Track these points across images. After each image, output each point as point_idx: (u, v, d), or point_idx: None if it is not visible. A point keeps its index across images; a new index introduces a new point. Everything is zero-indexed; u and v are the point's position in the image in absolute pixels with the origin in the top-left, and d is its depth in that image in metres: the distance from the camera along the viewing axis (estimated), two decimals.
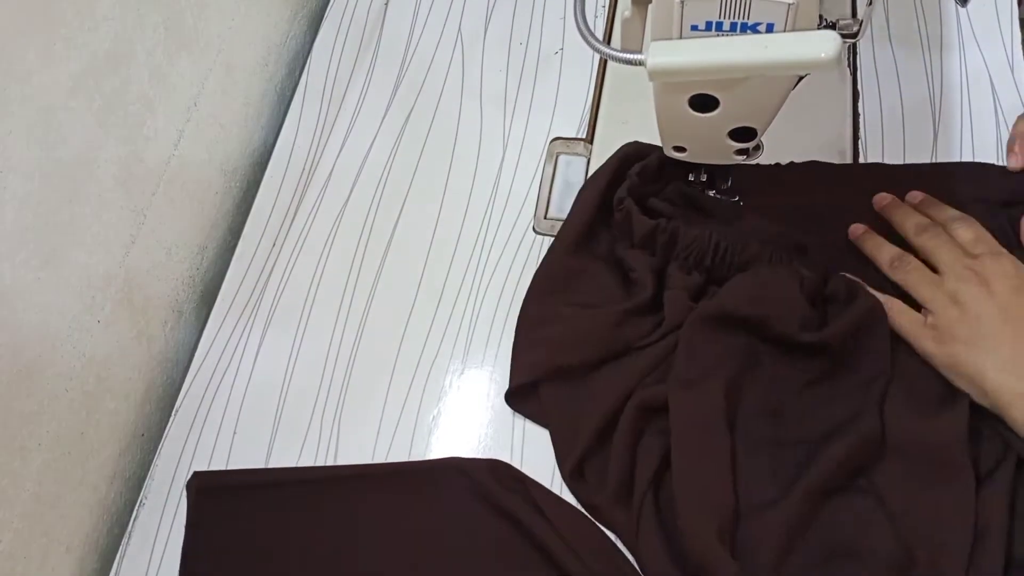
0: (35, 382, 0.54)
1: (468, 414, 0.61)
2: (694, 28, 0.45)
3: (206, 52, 0.69)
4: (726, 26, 0.45)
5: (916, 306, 0.56)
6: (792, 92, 0.50)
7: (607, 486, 0.54)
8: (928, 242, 0.57)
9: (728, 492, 0.52)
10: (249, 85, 0.76)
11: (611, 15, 0.77)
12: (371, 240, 0.68)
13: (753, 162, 0.58)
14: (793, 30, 0.44)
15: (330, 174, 0.72)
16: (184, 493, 0.60)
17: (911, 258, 0.58)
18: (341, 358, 0.64)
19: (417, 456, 0.59)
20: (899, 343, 0.56)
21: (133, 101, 0.61)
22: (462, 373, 0.62)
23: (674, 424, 0.54)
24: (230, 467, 0.60)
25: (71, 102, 0.55)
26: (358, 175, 0.71)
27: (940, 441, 0.52)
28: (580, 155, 0.70)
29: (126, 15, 0.60)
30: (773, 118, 0.52)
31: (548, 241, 0.66)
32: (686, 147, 0.57)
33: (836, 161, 0.65)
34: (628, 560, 0.53)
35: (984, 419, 0.53)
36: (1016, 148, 0.63)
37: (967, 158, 0.65)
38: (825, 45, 0.43)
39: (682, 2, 0.44)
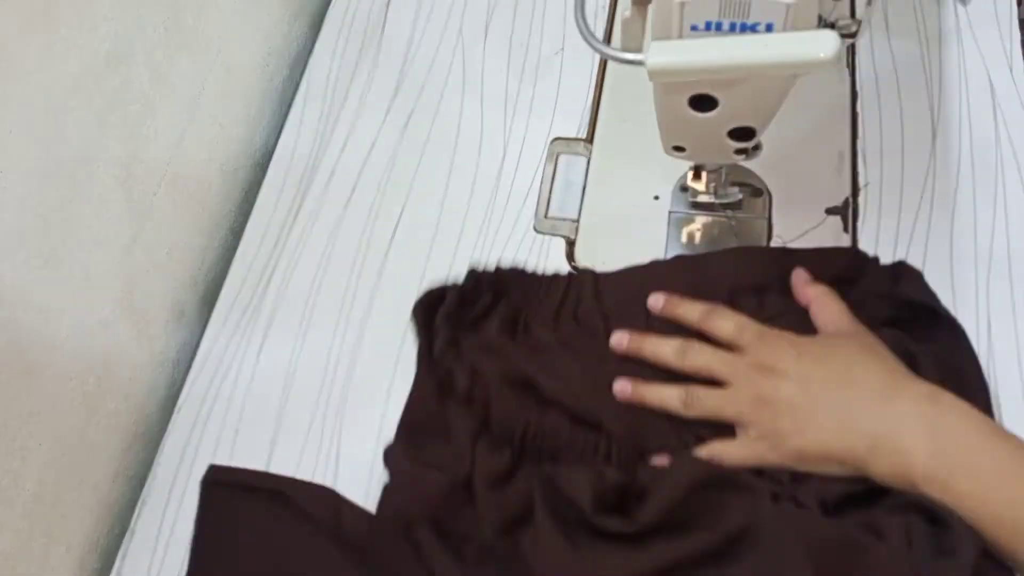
0: (35, 382, 0.55)
1: None
2: (694, 28, 0.45)
3: (206, 52, 0.69)
4: (725, 26, 0.45)
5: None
6: (791, 92, 0.50)
7: None
8: (696, 362, 0.56)
9: None
10: (249, 85, 0.76)
11: (611, 15, 0.77)
12: (373, 240, 0.68)
13: (749, 162, 0.58)
14: (792, 30, 0.44)
15: (331, 174, 0.72)
16: (184, 494, 0.60)
17: (694, 343, 0.56)
18: (342, 358, 0.64)
19: None
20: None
21: (133, 101, 0.61)
22: None
23: None
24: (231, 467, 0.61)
25: (71, 102, 0.55)
26: (359, 175, 0.72)
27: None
28: (580, 155, 0.70)
29: (126, 15, 0.60)
30: (772, 118, 0.52)
31: (548, 241, 0.66)
32: (686, 147, 0.57)
33: (836, 160, 0.66)
34: None
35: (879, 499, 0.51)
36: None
37: (965, 158, 0.65)
38: (824, 45, 0.43)
39: (682, 2, 0.44)
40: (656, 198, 0.67)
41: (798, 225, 0.64)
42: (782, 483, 0.52)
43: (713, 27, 0.45)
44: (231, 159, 0.74)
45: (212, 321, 0.67)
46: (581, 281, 0.62)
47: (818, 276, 0.59)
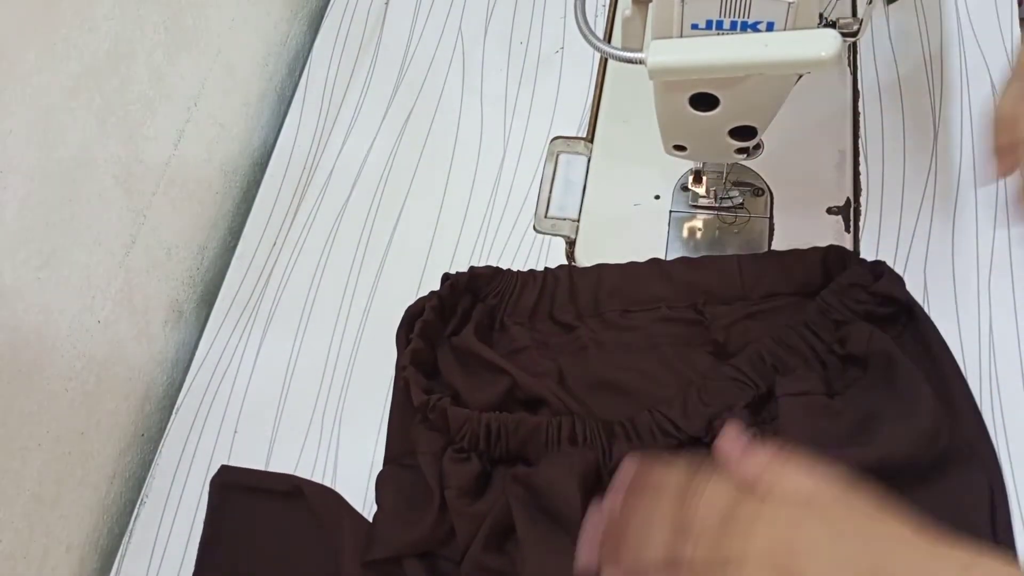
0: (35, 382, 0.54)
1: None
2: (694, 27, 0.45)
3: (206, 52, 0.69)
4: (726, 25, 0.45)
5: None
6: (792, 91, 0.50)
7: None
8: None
9: None
10: (249, 85, 0.76)
11: (611, 14, 0.77)
12: (372, 240, 0.68)
13: (752, 161, 0.58)
14: (793, 29, 0.44)
15: (330, 174, 0.72)
16: (183, 494, 0.60)
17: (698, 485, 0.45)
18: (342, 358, 0.64)
19: None
20: None
21: (133, 101, 0.61)
22: None
23: None
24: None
25: (71, 102, 0.55)
26: (358, 175, 0.71)
27: None
28: (581, 154, 0.70)
29: (126, 15, 0.60)
30: (773, 117, 0.52)
31: (548, 240, 0.66)
32: (686, 146, 0.57)
33: (837, 159, 0.65)
34: None
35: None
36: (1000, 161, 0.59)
37: (967, 157, 0.65)
38: (825, 44, 0.43)
39: (683, 1, 0.44)
40: (657, 197, 0.67)
41: (799, 225, 0.64)
42: None
43: (714, 26, 0.45)
44: (230, 159, 0.74)
45: (211, 321, 0.67)
46: (556, 278, 0.62)
47: (798, 275, 0.59)
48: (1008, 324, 0.59)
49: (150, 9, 0.62)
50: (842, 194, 0.65)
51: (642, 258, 0.63)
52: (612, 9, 0.77)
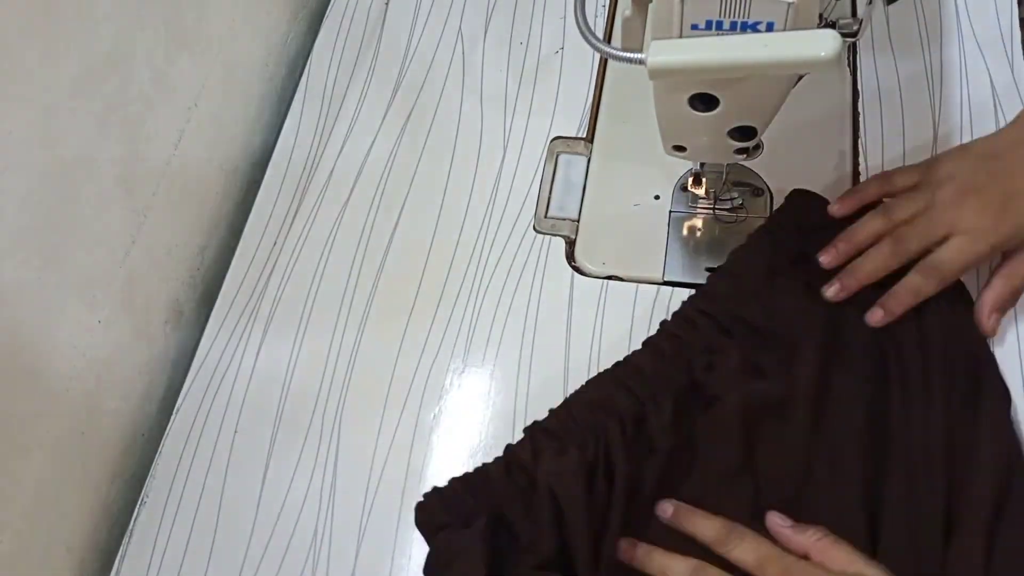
0: (35, 382, 0.54)
1: (468, 413, 0.61)
2: (694, 27, 0.45)
3: (206, 52, 0.69)
4: (726, 25, 0.45)
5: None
6: (792, 91, 0.50)
7: None
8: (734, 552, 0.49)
9: None
10: (249, 85, 0.76)
11: (611, 14, 0.77)
12: (371, 240, 0.68)
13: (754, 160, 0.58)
14: (793, 29, 0.44)
15: (330, 174, 0.72)
16: (183, 494, 0.60)
17: (738, 529, 0.50)
18: (342, 357, 0.64)
19: (417, 454, 0.59)
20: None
21: (133, 101, 0.61)
22: (462, 372, 0.62)
23: None
24: (231, 466, 0.60)
25: (71, 102, 0.55)
26: (358, 175, 0.71)
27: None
28: (580, 154, 0.70)
29: (126, 15, 0.60)
30: (773, 117, 0.52)
31: (548, 240, 0.66)
32: (686, 146, 0.57)
33: (837, 159, 0.66)
34: None
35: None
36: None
37: None
38: (825, 44, 0.43)
39: (682, 1, 0.44)
40: (657, 198, 0.67)
41: None
42: None
43: (714, 26, 0.45)
44: (230, 159, 0.74)
45: (211, 321, 0.67)
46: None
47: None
48: (1008, 324, 0.59)
49: (150, 9, 0.62)
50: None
51: (642, 258, 0.63)
52: (612, 9, 0.77)
